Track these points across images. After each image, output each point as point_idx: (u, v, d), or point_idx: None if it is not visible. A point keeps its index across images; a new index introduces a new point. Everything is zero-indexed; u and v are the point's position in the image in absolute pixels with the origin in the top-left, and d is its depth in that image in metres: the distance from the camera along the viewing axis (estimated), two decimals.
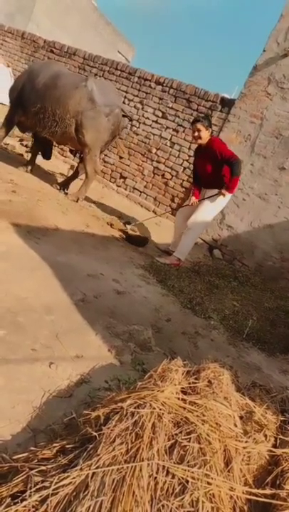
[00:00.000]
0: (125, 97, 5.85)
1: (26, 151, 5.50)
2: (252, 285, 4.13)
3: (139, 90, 5.82)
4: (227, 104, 5.11)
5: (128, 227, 4.28)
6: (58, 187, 4.66)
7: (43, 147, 4.95)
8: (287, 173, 4.63)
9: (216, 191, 3.72)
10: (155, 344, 2.08)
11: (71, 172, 5.52)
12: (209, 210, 3.80)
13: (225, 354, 2.30)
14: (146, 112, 5.75)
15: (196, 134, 3.69)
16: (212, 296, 3.30)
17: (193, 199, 4.01)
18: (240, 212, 4.92)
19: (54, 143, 4.88)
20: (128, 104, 5.81)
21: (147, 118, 5.75)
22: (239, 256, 4.90)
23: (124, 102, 5.75)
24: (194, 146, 5.31)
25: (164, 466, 0.86)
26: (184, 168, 5.40)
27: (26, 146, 5.78)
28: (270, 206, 4.71)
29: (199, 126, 3.64)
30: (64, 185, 4.71)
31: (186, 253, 3.84)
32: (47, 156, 5.09)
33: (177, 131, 5.49)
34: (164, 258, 3.79)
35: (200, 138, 3.67)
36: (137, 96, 5.84)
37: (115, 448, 0.89)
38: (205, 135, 3.65)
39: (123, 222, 4.50)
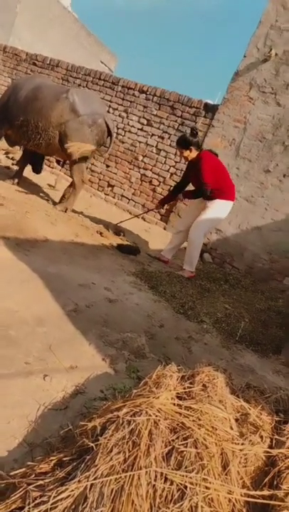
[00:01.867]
0: (110, 106, 5.89)
1: (13, 164, 5.49)
2: (243, 287, 4.16)
3: (123, 99, 5.87)
4: (210, 109, 5.19)
5: (103, 230, 4.28)
6: (55, 202, 4.63)
7: (31, 160, 4.95)
8: (272, 176, 4.70)
9: (216, 201, 3.81)
10: (149, 351, 2.08)
11: (59, 183, 5.53)
12: (208, 219, 3.87)
13: (219, 357, 2.31)
14: (131, 120, 5.80)
15: (180, 155, 3.96)
16: (204, 299, 3.32)
17: (157, 205, 4.38)
18: (228, 216, 4.94)
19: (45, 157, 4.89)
20: (113, 113, 5.85)
21: (132, 126, 5.79)
22: (229, 259, 4.94)
23: (108, 111, 5.79)
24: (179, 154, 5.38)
25: (162, 473, 0.86)
26: (171, 174, 5.45)
27: (12, 158, 5.77)
28: (257, 208, 4.77)
29: (179, 149, 3.90)
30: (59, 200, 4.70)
31: (195, 263, 3.93)
32: (37, 169, 5.09)
33: (162, 138, 5.54)
34: (181, 271, 3.88)
35: (185, 158, 3.88)
36: (121, 105, 5.89)
37: (113, 458, 0.89)
38: (189, 154, 3.82)
39: (113, 231, 4.48)
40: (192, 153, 3.81)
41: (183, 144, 3.80)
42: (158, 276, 3.46)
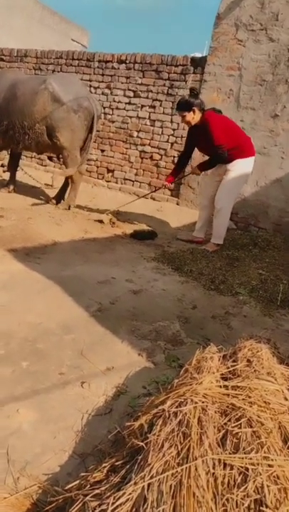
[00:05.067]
0: (90, 86, 5.83)
1: (4, 171, 5.54)
2: (274, 247, 4.10)
3: (102, 75, 5.79)
4: (199, 63, 5.05)
5: (104, 217, 4.22)
6: (54, 202, 4.66)
7: (16, 163, 4.99)
8: (281, 120, 4.55)
9: (236, 162, 3.71)
10: (186, 336, 2.10)
11: (56, 180, 5.55)
12: (233, 183, 3.77)
13: (262, 327, 2.30)
14: (117, 95, 5.72)
15: (182, 121, 3.81)
16: (234, 270, 3.30)
17: (165, 183, 4.18)
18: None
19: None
20: (95, 92, 5.79)
21: (119, 102, 5.72)
22: (253, 220, 4.86)
23: (90, 92, 5.73)
24: (177, 119, 5.29)
25: (219, 460, 0.88)
26: (172, 144, 5.36)
27: (2, 165, 5.82)
28: (273, 159, 4.65)
29: (181, 114, 3.73)
30: (59, 198, 4.73)
31: (223, 235, 3.90)
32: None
33: (154, 107, 5.45)
34: (204, 245, 3.87)
35: (188, 123, 3.74)
36: (102, 81, 5.81)
37: (165, 453, 0.90)
38: (192, 118, 3.68)
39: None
40: (196, 116, 3.67)
41: (184, 106, 3.66)
42: (180, 256, 3.46)
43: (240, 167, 3.73)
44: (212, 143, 3.59)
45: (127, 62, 5.55)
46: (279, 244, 4.22)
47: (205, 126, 3.62)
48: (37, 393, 1.49)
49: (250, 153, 3.78)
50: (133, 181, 5.77)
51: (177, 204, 5.28)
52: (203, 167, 3.83)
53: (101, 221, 4.16)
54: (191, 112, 3.65)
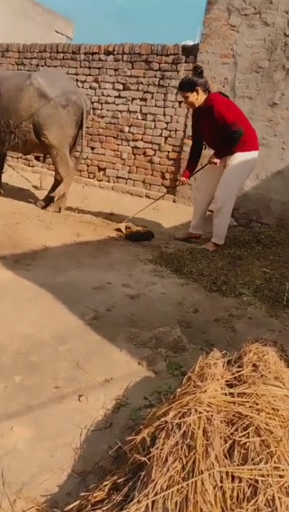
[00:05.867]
0: (77, 80, 5.84)
1: None
2: (278, 244, 4.12)
3: (89, 68, 5.81)
4: (191, 51, 5.07)
5: (121, 226, 4.19)
6: (43, 204, 4.65)
7: (2, 164, 4.98)
8: (280, 108, 4.58)
9: (237, 155, 3.62)
10: (188, 341, 2.10)
11: (45, 181, 5.55)
12: (233, 178, 3.68)
13: (268, 329, 2.31)
14: (105, 88, 5.73)
15: (185, 102, 3.74)
16: (237, 269, 3.31)
17: (182, 179, 4.06)
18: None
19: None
20: (82, 86, 5.80)
21: (108, 95, 5.73)
22: (255, 216, 4.87)
23: (77, 86, 5.74)
24: (170, 111, 5.30)
25: (227, 472, 0.88)
26: (165, 139, 5.38)
27: None
28: (273, 150, 4.67)
29: (183, 94, 3.64)
30: (48, 201, 4.72)
31: (224, 235, 3.84)
32: None
33: (145, 100, 5.46)
34: (204, 245, 3.84)
35: (192, 104, 3.64)
36: (89, 75, 5.83)
37: (169, 468, 0.91)
38: (196, 99, 3.57)
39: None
40: (200, 97, 3.56)
41: (186, 86, 3.55)
42: (179, 257, 3.46)
43: (241, 161, 3.63)
44: (225, 121, 3.44)
45: (115, 53, 5.56)
46: (283, 240, 4.23)
47: (210, 108, 3.50)
48: (32, 409, 1.49)
49: (254, 146, 3.69)
50: (126, 179, 5.78)
51: (174, 202, 5.29)
52: (220, 152, 3.67)
53: (119, 229, 4.13)
54: (194, 93, 3.53)
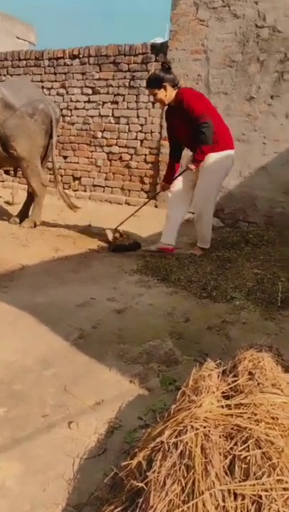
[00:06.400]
0: (42, 87, 5.87)
1: None
2: (268, 242, 4.17)
3: (55, 74, 5.85)
4: (160, 49, 5.15)
5: (108, 234, 4.15)
6: (17, 220, 4.63)
7: None
8: (258, 102, 4.67)
9: (209, 156, 3.55)
10: (181, 354, 2.10)
11: (17, 196, 5.53)
12: (209, 182, 3.66)
13: (263, 333, 2.32)
14: (73, 94, 5.77)
15: (154, 100, 3.74)
16: (227, 272, 3.33)
17: (163, 185, 4.04)
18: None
19: None
20: (49, 94, 5.83)
21: (77, 101, 5.77)
22: (242, 215, 4.93)
23: (43, 94, 5.76)
24: (144, 112, 5.35)
25: (229, 490, 0.88)
26: (141, 142, 5.43)
27: None
28: (254, 146, 4.75)
29: (151, 91, 3.66)
30: (22, 216, 4.71)
31: (209, 238, 3.87)
32: None
33: (116, 103, 5.51)
34: (191, 250, 3.87)
35: (161, 101, 3.65)
36: (55, 81, 5.87)
37: (168, 491, 0.90)
38: (164, 95, 3.57)
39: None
40: (168, 93, 3.56)
41: (153, 83, 3.57)
42: (165, 265, 3.48)
43: (214, 162, 3.58)
44: (193, 115, 3.42)
45: (81, 56, 5.62)
46: (273, 238, 4.29)
47: (180, 103, 3.51)
48: (19, 442, 1.47)
49: (228, 145, 3.66)
50: (103, 187, 5.79)
51: (156, 207, 5.33)
52: (197, 157, 3.57)
53: (106, 238, 4.11)
54: (162, 89, 3.54)
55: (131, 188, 5.59)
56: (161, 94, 3.57)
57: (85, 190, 5.93)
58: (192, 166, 3.62)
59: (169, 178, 3.98)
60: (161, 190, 4.23)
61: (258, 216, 4.84)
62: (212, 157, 3.58)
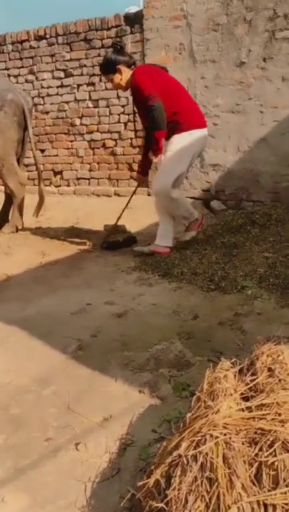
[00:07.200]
0: (8, 75, 5.84)
1: None
2: (277, 222, 4.17)
3: (21, 59, 5.83)
4: (135, 20, 5.13)
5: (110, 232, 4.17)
6: None
7: None
8: (249, 67, 4.65)
9: (172, 139, 3.49)
10: (192, 355, 2.10)
11: None
12: (168, 165, 3.53)
13: (281, 322, 2.33)
14: (44, 79, 5.75)
15: (114, 86, 3.73)
16: (235, 260, 3.34)
17: (139, 177, 4.04)
18: (218, 142, 4.94)
19: None
20: (16, 82, 5.81)
21: (49, 87, 5.75)
22: (245, 194, 4.93)
23: (11, 82, 5.74)
24: (125, 93, 5.32)
25: (258, 502, 0.88)
26: (125, 124, 5.42)
27: None
28: (250, 116, 4.74)
29: (106, 78, 3.70)
30: (2, 221, 4.69)
31: (171, 233, 3.68)
32: None
33: (93, 84, 5.50)
34: (147, 247, 3.71)
35: (120, 86, 3.63)
36: (22, 67, 5.85)
37: (191, 510, 0.90)
38: (120, 79, 3.54)
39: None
40: (124, 75, 3.52)
41: (107, 68, 3.57)
42: (166, 258, 3.49)
43: (177, 144, 3.48)
44: (141, 97, 3.36)
45: (48, 37, 5.59)
46: (281, 216, 4.29)
47: (132, 85, 3.47)
48: (23, 472, 1.47)
49: (193, 124, 3.51)
50: (88, 179, 5.79)
51: (148, 195, 5.31)
52: (152, 146, 3.53)
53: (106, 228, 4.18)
54: (118, 73, 3.52)
55: (119, 177, 5.58)
56: (116, 78, 3.55)
57: (68, 185, 5.91)
58: (152, 157, 3.54)
59: (145, 169, 3.96)
60: (138, 183, 4.19)
61: (263, 193, 4.83)
62: (174, 139, 3.50)
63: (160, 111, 3.31)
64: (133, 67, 3.57)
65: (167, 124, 3.39)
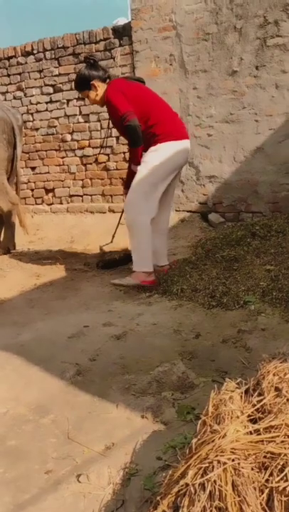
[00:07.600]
0: None
1: None
2: (277, 233, 4.17)
3: (8, 75, 5.90)
4: (124, 32, 5.20)
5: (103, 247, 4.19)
6: None
7: None
8: (242, 76, 4.71)
9: (147, 154, 3.45)
10: (195, 376, 2.09)
11: None
12: (140, 181, 3.43)
13: (287, 338, 2.33)
14: (32, 95, 5.82)
15: (91, 103, 3.74)
16: (236, 274, 3.33)
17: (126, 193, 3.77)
18: (214, 153, 4.98)
19: None
20: (5, 99, 5.87)
21: (38, 103, 5.81)
22: (243, 206, 4.95)
23: None
24: None
25: None
26: (117, 138, 5.45)
27: None
28: (246, 125, 4.78)
29: (82, 95, 3.76)
30: None
31: (148, 257, 3.46)
32: None
33: (83, 99, 5.53)
34: (123, 279, 3.51)
35: (97, 102, 3.61)
36: (9, 84, 5.91)
37: None
38: (96, 95, 3.52)
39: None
40: (100, 91, 3.50)
41: (80, 84, 3.55)
42: (164, 275, 3.48)
43: (153, 156, 3.42)
44: (115, 115, 3.37)
45: (35, 52, 5.66)
46: (282, 226, 4.30)
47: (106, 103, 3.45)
48: (22, 507, 1.45)
49: (171, 136, 3.43)
50: (82, 196, 5.81)
51: None
52: (133, 160, 3.55)
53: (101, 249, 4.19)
54: (93, 90, 3.50)
55: (113, 192, 5.60)
56: (92, 95, 3.53)
57: (61, 203, 5.93)
58: (135, 170, 3.50)
59: (130, 182, 3.73)
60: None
61: (262, 204, 4.85)
62: (149, 152, 3.46)
63: (136, 129, 3.31)
64: (108, 80, 3.55)
65: (144, 136, 3.37)
